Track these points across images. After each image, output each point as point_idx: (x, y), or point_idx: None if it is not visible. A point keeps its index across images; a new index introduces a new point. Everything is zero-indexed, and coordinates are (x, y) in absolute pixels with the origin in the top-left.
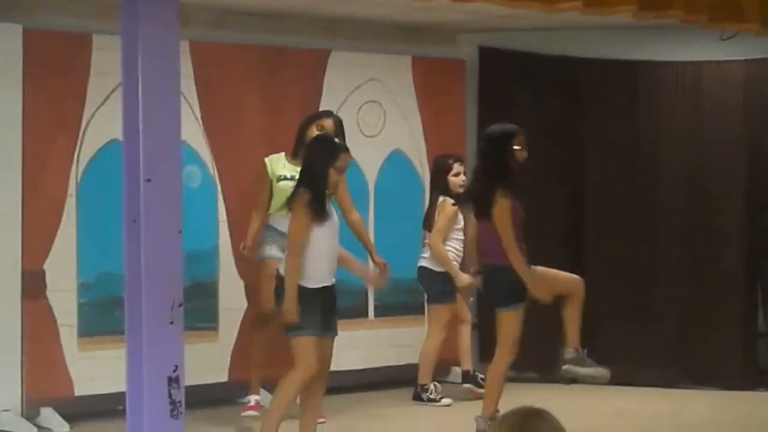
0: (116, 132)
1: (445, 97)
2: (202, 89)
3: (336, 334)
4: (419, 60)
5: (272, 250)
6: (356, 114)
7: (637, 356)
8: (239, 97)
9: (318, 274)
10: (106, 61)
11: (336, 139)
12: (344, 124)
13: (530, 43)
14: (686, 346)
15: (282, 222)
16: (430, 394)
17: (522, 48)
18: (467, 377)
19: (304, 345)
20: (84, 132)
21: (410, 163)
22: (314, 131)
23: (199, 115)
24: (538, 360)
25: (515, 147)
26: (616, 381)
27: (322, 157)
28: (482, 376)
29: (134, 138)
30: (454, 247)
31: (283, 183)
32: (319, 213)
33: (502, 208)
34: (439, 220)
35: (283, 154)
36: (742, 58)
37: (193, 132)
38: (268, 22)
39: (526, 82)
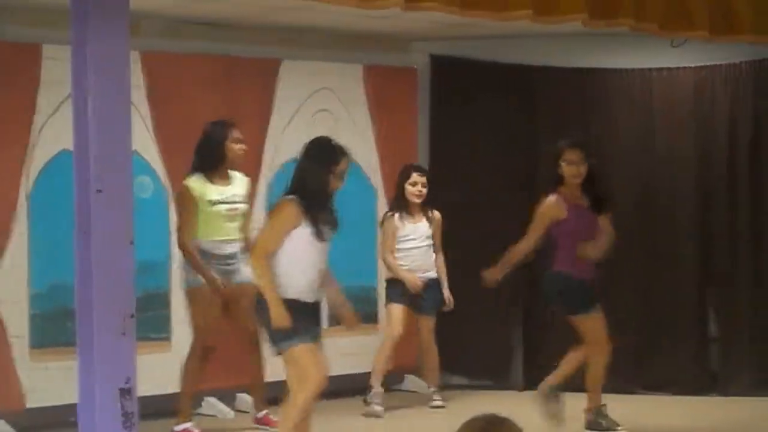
0: (67, 142)
1: (397, 105)
2: (153, 99)
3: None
4: (371, 69)
5: (193, 276)
6: (309, 123)
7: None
8: (191, 106)
9: (300, 288)
10: (56, 71)
11: (335, 142)
12: (297, 132)
13: (482, 51)
14: (639, 352)
15: (221, 247)
16: (371, 396)
17: (474, 56)
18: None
19: (303, 353)
20: (35, 142)
21: (362, 171)
22: (232, 146)
23: (150, 125)
24: (492, 367)
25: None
26: (568, 388)
27: (321, 161)
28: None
29: (84, 149)
30: (397, 256)
31: (218, 207)
32: (315, 229)
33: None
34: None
35: (200, 174)
36: (693, 65)
37: (144, 142)
38: (220, 31)
39: (478, 89)
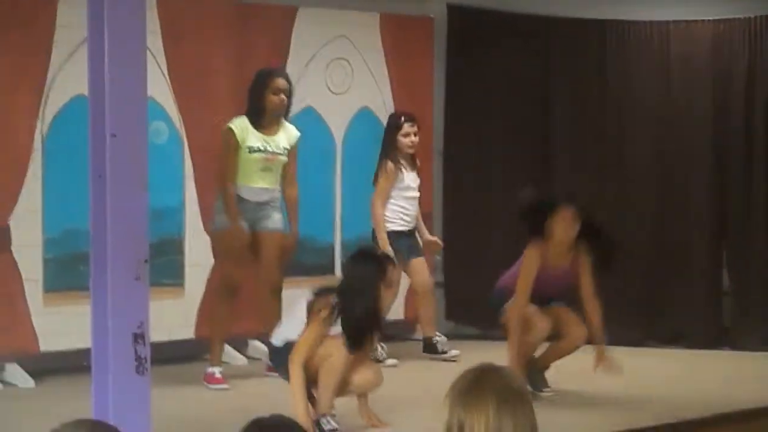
0: (83, 87)
1: (413, 55)
2: (169, 44)
3: None
4: (387, 17)
5: (239, 221)
6: (324, 71)
7: (602, 315)
8: (206, 52)
9: None
10: (71, 15)
11: (380, 252)
12: (312, 81)
13: (499, 1)
14: (652, 305)
15: (254, 193)
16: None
17: (491, 6)
18: (429, 346)
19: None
20: (49, 87)
21: (378, 120)
22: (271, 96)
23: (165, 71)
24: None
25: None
26: None
27: (367, 274)
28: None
29: (100, 93)
30: (401, 206)
31: (256, 155)
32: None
33: None
34: (379, 182)
35: (245, 118)
36: (711, 18)
37: (159, 87)
38: None
39: (495, 40)
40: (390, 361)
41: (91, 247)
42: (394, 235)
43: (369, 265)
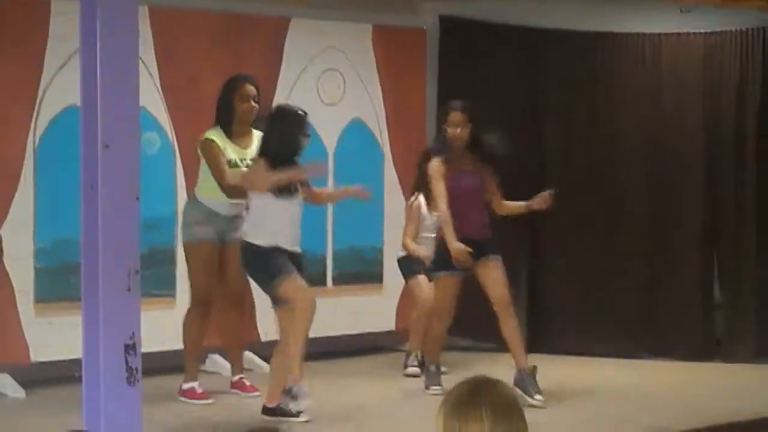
0: (75, 98)
1: (405, 66)
2: (161, 55)
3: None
4: (380, 29)
5: (208, 233)
6: (316, 82)
7: (594, 327)
8: (199, 63)
9: (271, 235)
10: (65, 25)
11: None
12: (304, 92)
13: (491, 12)
14: (644, 317)
15: (223, 207)
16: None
17: (483, 18)
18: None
19: (288, 287)
20: (42, 97)
21: (370, 131)
22: (240, 104)
23: (158, 82)
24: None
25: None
26: (573, 351)
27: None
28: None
29: (92, 104)
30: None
31: (233, 170)
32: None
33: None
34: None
35: (219, 129)
36: (701, 30)
37: (152, 98)
38: None
39: (487, 51)
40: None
41: (82, 258)
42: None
43: (282, 121)
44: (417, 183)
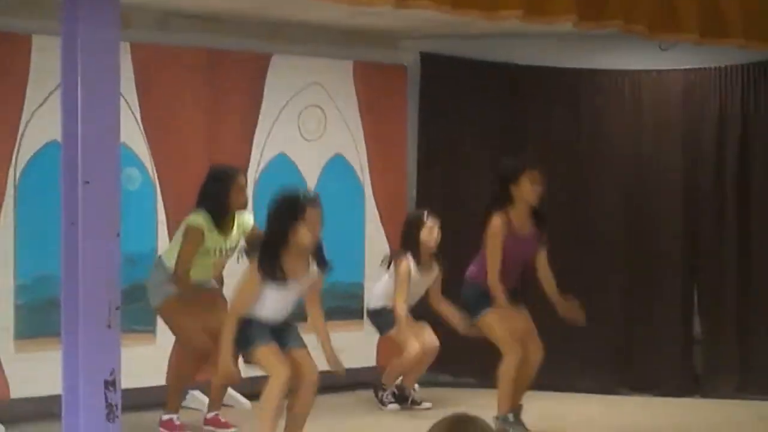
0: (56, 133)
1: (386, 102)
2: (142, 91)
3: (303, 344)
4: (361, 65)
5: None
6: (297, 118)
7: (574, 362)
8: (180, 99)
9: (268, 316)
10: (46, 61)
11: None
12: (285, 127)
13: (472, 49)
14: (623, 353)
15: (201, 284)
16: (385, 394)
17: (464, 54)
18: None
19: (265, 355)
20: (23, 132)
21: (351, 167)
22: (237, 196)
23: (139, 117)
24: (477, 365)
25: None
26: (553, 387)
27: (286, 212)
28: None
29: (73, 140)
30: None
31: (210, 259)
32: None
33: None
34: (397, 280)
35: (208, 216)
36: (682, 67)
37: (132, 134)
38: (210, 24)
39: (468, 88)
40: (425, 404)
41: (62, 294)
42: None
43: (285, 206)
44: (404, 242)
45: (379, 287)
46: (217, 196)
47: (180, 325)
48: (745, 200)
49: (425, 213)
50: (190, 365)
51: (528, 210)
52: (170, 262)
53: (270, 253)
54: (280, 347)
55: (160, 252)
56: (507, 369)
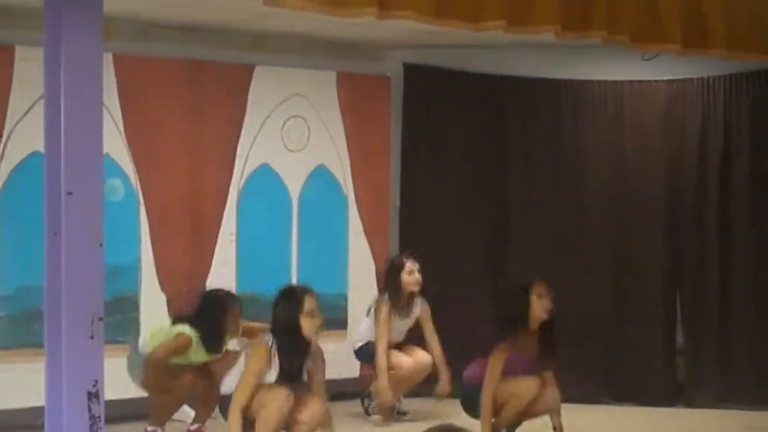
0: (38, 144)
1: (369, 112)
2: (125, 102)
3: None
4: (344, 76)
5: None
6: (281, 129)
7: (557, 372)
8: (163, 110)
9: None
10: (29, 72)
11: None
12: (269, 138)
13: (455, 60)
14: (606, 362)
15: None
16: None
17: (447, 65)
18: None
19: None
20: (5, 143)
21: (334, 178)
22: (231, 321)
23: (122, 128)
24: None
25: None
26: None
27: (286, 305)
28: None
29: (56, 151)
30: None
31: (194, 365)
32: (281, 372)
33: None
34: (376, 328)
35: (198, 337)
36: (664, 78)
37: (115, 144)
38: (193, 35)
39: (451, 99)
40: (408, 416)
41: (45, 305)
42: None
43: (288, 302)
44: (386, 284)
45: (360, 330)
46: (212, 322)
47: (171, 385)
48: (726, 211)
49: (405, 256)
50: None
51: (534, 330)
52: (148, 348)
53: (288, 344)
54: None
55: (143, 270)
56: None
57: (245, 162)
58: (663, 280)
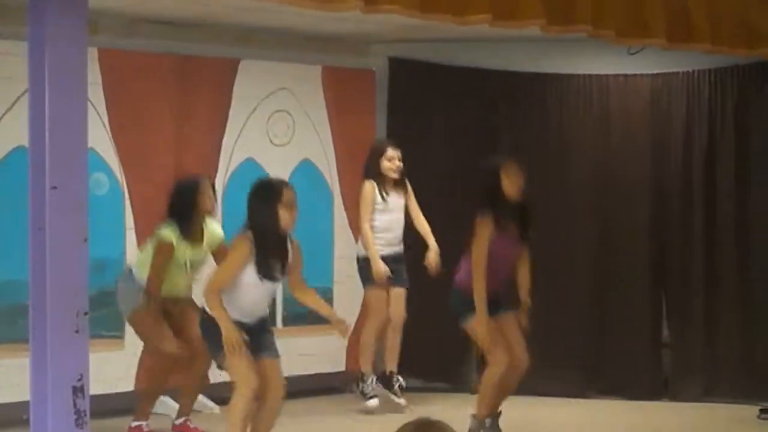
0: (23, 138)
1: (355, 107)
2: (110, 96)
3: (277, 354)
4: (329, 70)
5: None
6: (266, 123)
7: (542, 366)
8: (148, 104)
9: (238, 313)
10: (11, 66)
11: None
12: (254, 133)
13: (440, 54)
14: (592, 357)
15: (174, 298)
16: (366, 385)
17: (432, 59)
18: (384, 379)
19: (235, 363)
20: None
21: (319, 172)
22: (205, 200)
23: (107, 122)
24: (447, 369)
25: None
26: (523, 391)
27: (266, 198)
28: (401, 381)
29: (40, 145)
30: (373, 228)
31: (181, 269)
32: (260, 268)
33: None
34: (360, 203)
35: (175, 227)
36: (649, 72)
37: (100, 139)
38: (178, 30)
39: (436, 93)
40: (371, 402)
41: (30, 300)
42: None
43: (267, 194)
44: (366, 171)
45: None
46: (183, 204)
47: (149, 333)
48: (712, 204)
49: (387, 142)
50: (161, 373)
51: (512, 208)
52: (142, 274)
53: (264, 252)
54: (253, 353)
55: (128, 259)
56: (490, 375)
57: (230, 156)
58: (649, 274)
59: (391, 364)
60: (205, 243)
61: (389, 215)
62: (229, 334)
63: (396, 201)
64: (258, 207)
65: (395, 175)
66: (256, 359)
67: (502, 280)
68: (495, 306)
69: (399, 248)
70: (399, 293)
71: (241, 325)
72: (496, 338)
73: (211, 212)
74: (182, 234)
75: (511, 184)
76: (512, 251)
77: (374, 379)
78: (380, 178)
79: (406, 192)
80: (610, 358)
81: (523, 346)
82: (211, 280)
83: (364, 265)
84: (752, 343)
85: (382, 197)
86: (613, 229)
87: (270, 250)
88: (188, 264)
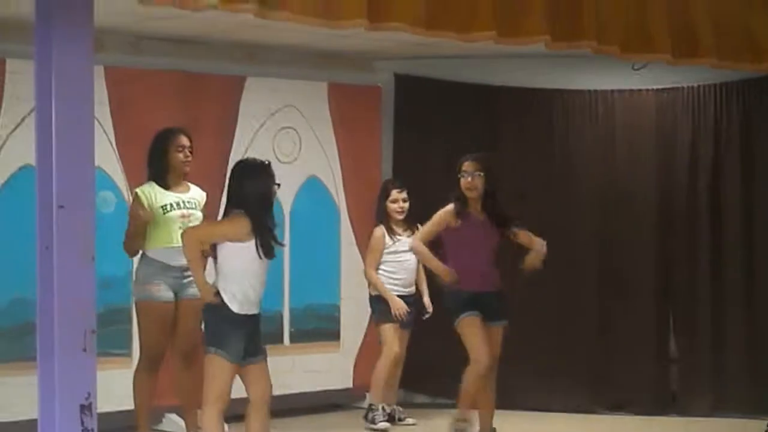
0: (30, 157)
1: (361, 123)
2: (116, 114)
3: (264, 355)
4: (336, 87)
5: (161, 291)
6: (272, 140)
7: (550, 381)
8: (154, 122)
9: (246, 298)
10: (20, 85)
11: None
12: (260, 150)
13: (446, 70)
14: (599, 372)
15: (175, 256)
16: (376, 414)
17: (437, 75)
18: (389, 417)
19: (217, 366)
20: None
21: (326, 189)
22: (175, 154)
23: (113, 140)
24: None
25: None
26: (529, 406)
27: (255, 174)
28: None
29: (47, 164)
30: (386, 271)
31: (172, 213)
32: (262, 246)
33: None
34: (368, 249)
35: (153, 183)
36: (654, 87)
37: (107, 157)
38: (184, 47)
39: (442, 109)
40: (409, 420)
41: (37, 318)
42: (381, 300)
43: (258, 174)
44: (378, 215)
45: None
46: (158, 156)
47: (145, 327)
48: (718, 219)
49: (392, 183)
50: (143, 374)
51: (478, 199)
52: (153, 248)
53: (263, 232)
54: (242, 360)
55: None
56: (471, 372)
57: None
58: (655, 289)
59: (392, 400)
60: (191, 193)
61: (400, 256)
62: (204, 291)
63: (406, 242)
64: (252, 186)
65: (400, 217)
66: (242, 366)
67: (484, 271)
68: (481, 306)
69: (412, 290)
70: (404, 334)
71: (242, 322)
72: (482, 335)
73: (185, 166)
74: (158, 183)
75: (464, 182)
76: (484, 236)
77: (383, 408)
78: (387, 220)
79: (414, 232)
80: (618, 373)
81: (494, 357)
82: (196, 227)
83: (376, 302)
84: (759, 357)
85: (392, 238)
86: (620, 244)
87: (270, 226)
88: (177, 205)
